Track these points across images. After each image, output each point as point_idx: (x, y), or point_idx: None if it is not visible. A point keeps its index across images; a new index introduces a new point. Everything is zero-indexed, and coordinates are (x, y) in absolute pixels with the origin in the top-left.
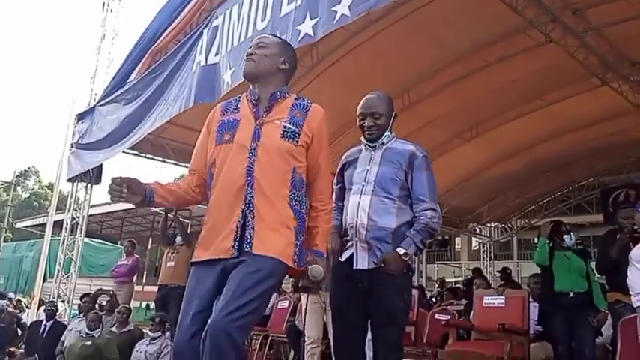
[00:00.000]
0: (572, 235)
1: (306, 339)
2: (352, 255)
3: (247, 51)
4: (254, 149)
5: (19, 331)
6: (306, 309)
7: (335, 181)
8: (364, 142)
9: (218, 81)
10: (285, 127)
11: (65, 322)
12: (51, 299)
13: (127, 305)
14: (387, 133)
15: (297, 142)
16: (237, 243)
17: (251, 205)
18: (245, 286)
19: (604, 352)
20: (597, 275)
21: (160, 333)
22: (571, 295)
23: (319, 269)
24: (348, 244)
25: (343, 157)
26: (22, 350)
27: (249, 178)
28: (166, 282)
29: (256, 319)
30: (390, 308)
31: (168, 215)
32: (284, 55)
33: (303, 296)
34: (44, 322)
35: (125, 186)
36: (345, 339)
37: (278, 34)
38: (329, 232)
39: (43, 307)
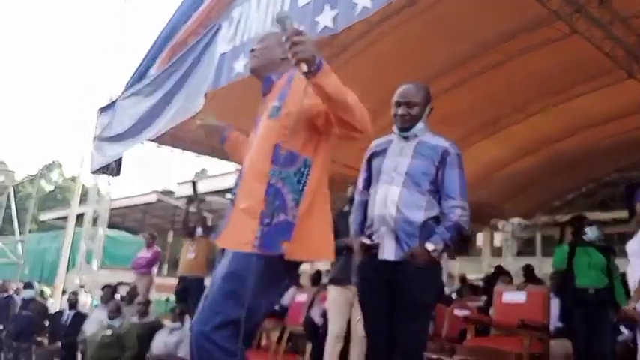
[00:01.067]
0: (595, 229)
1: (328, 332)
2: (378, 245)
3: (251, 47)
4: (253, 141)
5: (47, 321)
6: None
7: (362, 169)
8: (396, 131)
9: (224, 69)
10: (272, 106)
11: (86, 312)
12: (73, 290)
13: (147, 296)
14: (421, 125)
15: (278, 117)
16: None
17: (234, 194)
18: (216, 293)
19: (626, 350)
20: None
21: (179, 324)
22: (591, 291)
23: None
24: (374, 235)
25: (372, 145)
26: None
27: (241, 170)
28: (187, 274)
29: (241, 325)
30: (415, 302)
31: (190, 207)
32: (284, 45)
33: (332, 289)
34: (66, 312)
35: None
36: (374, 327)
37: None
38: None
39: (65, 297)
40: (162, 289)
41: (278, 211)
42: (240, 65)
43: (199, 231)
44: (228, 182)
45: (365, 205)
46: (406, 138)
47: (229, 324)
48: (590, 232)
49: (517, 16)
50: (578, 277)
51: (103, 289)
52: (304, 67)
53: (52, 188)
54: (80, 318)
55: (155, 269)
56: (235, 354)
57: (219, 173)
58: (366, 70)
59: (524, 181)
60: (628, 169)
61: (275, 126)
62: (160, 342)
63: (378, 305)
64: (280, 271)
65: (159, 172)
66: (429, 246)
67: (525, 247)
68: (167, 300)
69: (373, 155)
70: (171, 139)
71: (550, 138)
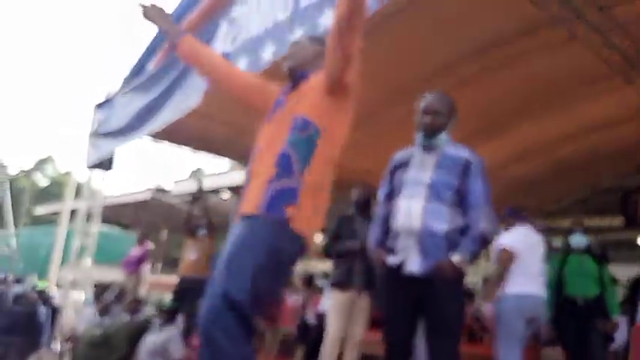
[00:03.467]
0: (579, 235)
1: (327, 336)
2: (402, 259)
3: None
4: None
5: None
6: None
7: (384, 181)
8: (418, 143)
9: None
10: (300, 96)
11: (58, 306)
12: (65, 286)
13: (137, 295)
14: (444, 136)
15: (302, 97)
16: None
17: (250, 171)
18: (220, 269)
19: (616, 359)
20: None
21: (169, 324)
22: (580, 301)
23: None
24: (398, 247)
25: (394, 159)
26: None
27: (257, 149)
28: (187, 274)
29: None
30: (446, 317)
31: (194, 207)
32: (317, 46)
33: (334, 293)
34: (40, 308)
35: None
36: (396, 342)
37: (297, 27)
38: None
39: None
40: (157, 288)
41: (284, 175)
42: (242, 66)
43: (203, 231)
44: (224, 181)
45: (386, 218)
46: (428, 150)
47: (235, 304)
48: (574, 240)
49: (516, 20)
50: (569, 286)
51: (95, 287)
52: None
53: (47, 183)
54: (54, 314)
55: (145, 267)
56: (242, 343)
57: (214, 172)
58: (364, 71)
59: (520, 185)
60: (625, 176)
61: (297, 105)
62: (149, 342)
63: (404, 321)
64: (287, 249)
65: (153, 170)
66: (456, 258)
67: None
68: (160, 300)
69: (395, 168)
70: (167, 133)
71: (547, 143)
